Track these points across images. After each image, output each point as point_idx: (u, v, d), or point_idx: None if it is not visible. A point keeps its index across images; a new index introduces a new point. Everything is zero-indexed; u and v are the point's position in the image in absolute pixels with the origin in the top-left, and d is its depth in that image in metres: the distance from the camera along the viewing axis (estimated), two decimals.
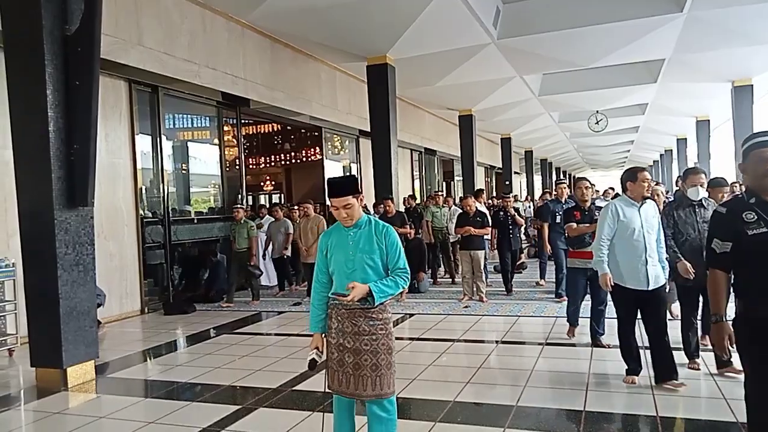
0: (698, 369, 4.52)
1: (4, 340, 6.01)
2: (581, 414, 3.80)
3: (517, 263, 9.93)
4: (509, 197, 9.60)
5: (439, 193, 11.16)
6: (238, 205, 8.93)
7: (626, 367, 4.40)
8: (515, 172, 27.49)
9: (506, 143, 23.51)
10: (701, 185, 4.44)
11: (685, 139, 24.82)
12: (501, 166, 24.47)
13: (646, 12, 9.70)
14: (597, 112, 18.39)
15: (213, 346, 6.27)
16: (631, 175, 4.28)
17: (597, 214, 5.09)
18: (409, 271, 2.92)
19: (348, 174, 3.30)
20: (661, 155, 32.74)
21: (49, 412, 4.33)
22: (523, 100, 16.40)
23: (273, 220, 9.80)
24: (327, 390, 2.90)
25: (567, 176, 46.13)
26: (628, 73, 14.38)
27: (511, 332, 6.33)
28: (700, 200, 4.46)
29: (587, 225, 5.53)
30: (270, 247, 9.73)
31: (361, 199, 2.91)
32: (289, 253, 9.47)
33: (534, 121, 20.22)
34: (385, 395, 2.80)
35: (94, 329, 5.16)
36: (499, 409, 3.96)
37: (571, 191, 7.79)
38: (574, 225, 5.66)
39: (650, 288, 4.12)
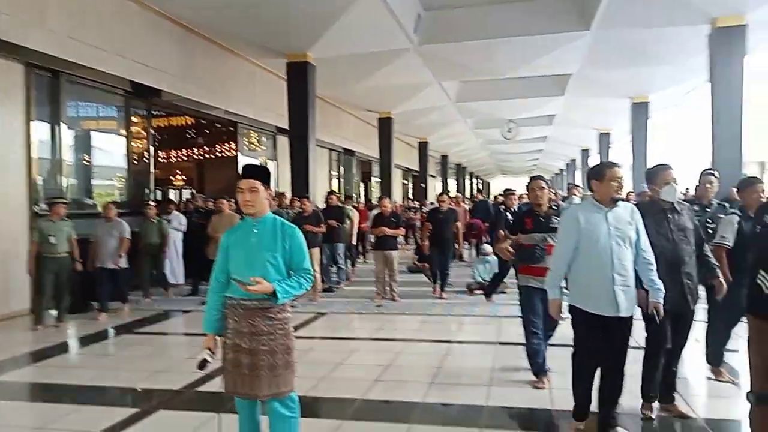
0: (652, 418, 3.66)
1: None
2: (483, 408, 3.93)
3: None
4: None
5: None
6: (152, 202, 8.56)
7: (573, 404, 3.49)
8: (431, 176, 28.13)
9: (423, 147, 24.00)
10: (674, 182, 3.58)
11: (588, 150, 26.44)
12: (418, 169, 24.94)
13: (556, 28, 10.27)
14: (509, 120, 19.18)
15: (112, 346, 5.95)
16: (596, 172, 3.37)
17: (557, 220, 4.23)
18: (312, 272, 2.92)
19: (263, 166, 3.25)
20: (567, 164, 34.68)
21: None
22: (441, 105, 16.82)
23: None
24: (224, 392, 2.83)
25: (480, 181, 47.81)
26: (539, 85, 15.14)
27: (421, 331, 6.46)
28: (673, 204, 3.59)
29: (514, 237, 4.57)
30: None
31: (270, 194, 2.87)
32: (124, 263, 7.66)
33: (450, 126, 20.78)
34: (282, 394, 2.78)
35: None
36: (407, 406, 4.03)
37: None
38: (503, 235, 4.80)
39: (620, 315, 3.22)
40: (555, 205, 4.89)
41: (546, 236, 4.35)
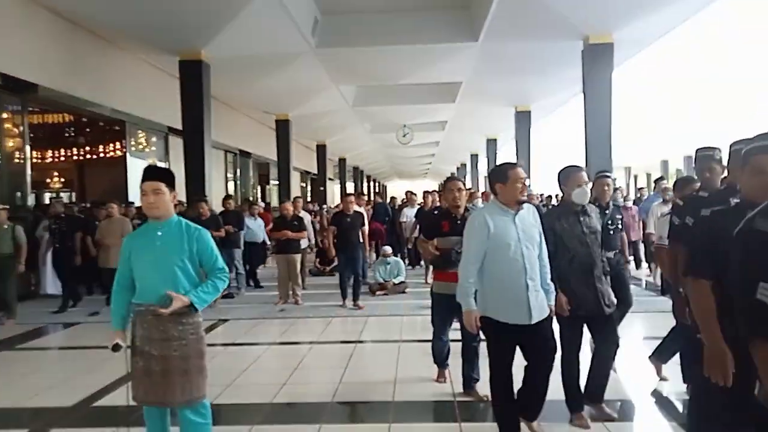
0: (587, 426, 3.50)
1: None
2: (390, 405, 4.09)
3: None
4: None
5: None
6: (3, 206, 7.48)
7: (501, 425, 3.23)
8: (330, 179, 28.18)
9: (321, 150, 24.00)
10: (585, 185, 3.51)
11: (477, 155, 27.83)
12: (316, 171, 24.91)
13: (446, 39, 10.79)
14: (404, 125, 19.72)
15: None
16: (499, 174, 3.18)
17: None
18: (227, 271, 2.91)
19: (167, 168, 3.13)
20: (457, 168, 36.20)
21: None
22: (338, 109, 16.94)
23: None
24: (132, 401, 2.75)
25: (377, 184, 48.57)
26: (432, 92, 15.75)
27: (325, 333, 6.52)
28: (584, 206, 3.54)
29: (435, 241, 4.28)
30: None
31: (174, 196, 2.82)
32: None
33: (348, 129, 20.98)
34: (196, 399, 2.76)
35: None
36: (316, 406, 4.08)
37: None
38: (423, 238, 4.49)
39: (533, 321, 3.08)
40: (472, 208, 4.60)
41: (462, 239, 4.02)
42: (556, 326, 3.34)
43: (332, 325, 6.93)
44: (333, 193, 31.06)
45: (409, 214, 10.86)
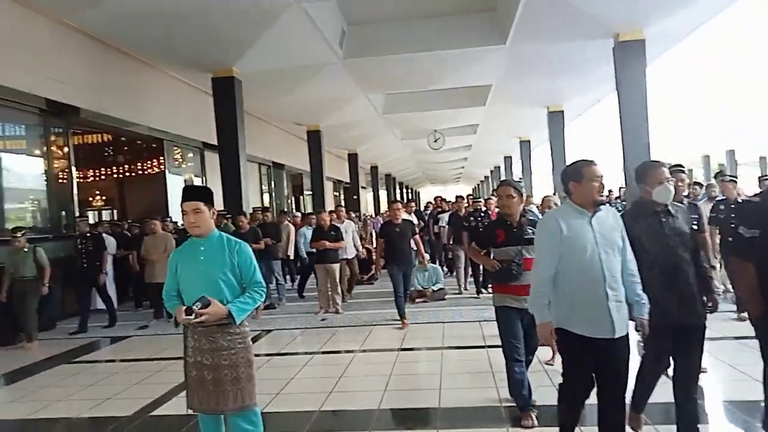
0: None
1: None
2: (436, 411, 4.11)
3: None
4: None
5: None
6: (22, 231, 7.31)
7: None
8: (362, 187, 28.36)
9: (353, 159, 24.19)
10: (668, 182, 3.10)
11: (511, 157, 27.62)
12: (349, 180, 25.10)
13: (474, 43, 10.77)
14: (435, 131, 19.73)
15: (50, 378, 5.66)
16: (573, 172, 2.92)
17: (531, 231, 3.73)
18: (264, 285, 3.00)
19: (204, 186, 3.20)
20: (491, 171, 35.96)
21: None
22: (368, 117, 17.07)
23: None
24: (188, 410, 2.86)
25: (410, 191, 48.60)
26: (462, 96, 15.72)
27: (367, 341, 6.58)
28: (666, 206, 3.15)
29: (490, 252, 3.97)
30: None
31: (214, 212, 2.93)
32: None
33: (378, 137, 21.10)
34: (248, 407, 2.85)
35: None
36: (363, 414, 4.14)
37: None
38: (477, 248, 4.14)
39: (616, 336, 2.78)
40: (530, 213, 4.41)
41: (522, 249, 3.75)
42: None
43: (374, 333, 6.97)
44: (366, 201, 31.22)
45: (445, 220, 10.79)
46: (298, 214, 15.02)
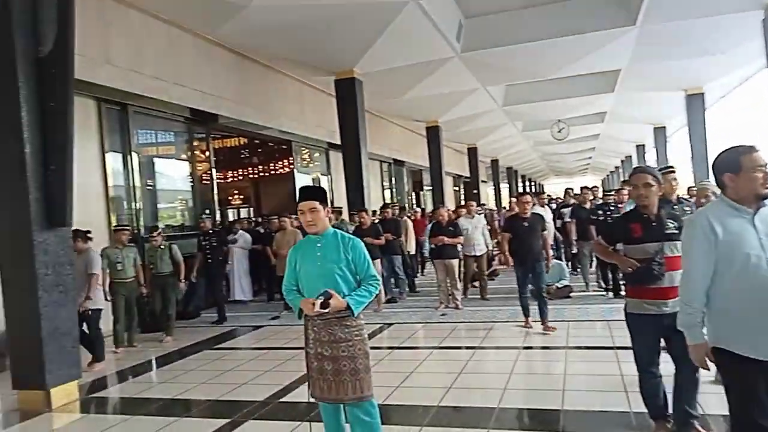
0: None
1: None
2: (560, 414, 3.97)
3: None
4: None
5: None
6: (125, 227, 7.57)
7: None
8: (482, 181, 28.00)
9: (473, 153, 23.96)
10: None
11: (644, 145, 25.75)
12: (468, 175, 24.90)
13: (602, 25, 10.14)
14: (559, 121, 18.94)
15: (196, 362, 6.27)
16: (729, 162, 2.43)
17: (673, 225, 3.29)
18: (379, 278, 3.10)
19: (318, 186, 3.34)
20: (621, 161, 33.78)
21: None
22: (488, 110, 16.80)
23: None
24: (310, 399, 3.02)
25: (533, 184, 47.10)
26: (588, 82, 14.92)
27: (488, 338, 6.51)
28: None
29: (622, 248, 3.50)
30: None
31: (328, 211, 3.07)
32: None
33: (498, 130, 20.69)
34: (366, 398, 2.95)
35: (77, 349, 5.12)
36: (483, 411, 4.11)
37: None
38: (604, 244, 3.62)
39: None
40: (672, 204, 3.96)
41: (663, 245, 3.25)
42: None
43: (494, 330, 6.88)
44: (487, 196, 30.78)
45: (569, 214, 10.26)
46: (418, 210, 15.19)
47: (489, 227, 10.40)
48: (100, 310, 6.50)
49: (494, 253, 9.27)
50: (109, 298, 6.93)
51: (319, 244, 3.02)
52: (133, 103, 8.72)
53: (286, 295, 3.13)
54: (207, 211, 9.80)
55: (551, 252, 7.07)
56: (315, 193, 3.04)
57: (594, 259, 8.74)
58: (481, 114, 17.18)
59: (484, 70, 12.47)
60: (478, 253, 8.90)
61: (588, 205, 9.07)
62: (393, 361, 5.76)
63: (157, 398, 5.03)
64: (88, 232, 6.58)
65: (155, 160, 10.10)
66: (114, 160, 8.53)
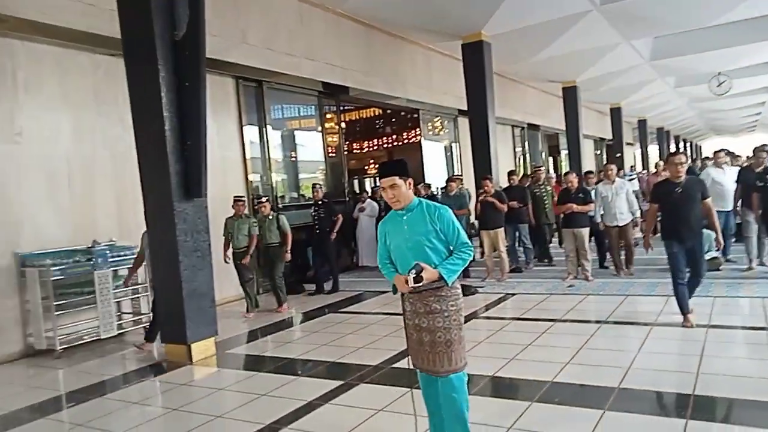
0: None
1: (140, 319, 6.75)
2: (689, 398, 3.61)
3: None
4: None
5: (540, 168, 10.39)
6: (241, 197, 7.60)
7: None
8: (628, 143, 25.92)
9: (616, 113, 22.19)
10: None
11: None
12: (611, 137, 23.20)
13: None
14: (719, 74, 16.80)
15: (320, 324, 6.64)
16: None
17: None
18: (471, 245, 3.00)
19: (398, 159, 3.28)
20: None
21: (176, 384, 4.85)
22: (633, 66, 15.36)
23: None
24: (410, 367, 3.03)
25: (689, 144, 42.71)
26: (753, 28, 12.90)
27: (617, 312, 6.08)
28: None
29: None
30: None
31: (410, 183, 2.99)
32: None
33: (646, 88, 18.89)
34: (459, 369, 2.92)
35: (213, 309, 5.65)
36: (600, 390, 3.86)
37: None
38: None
39: None
40: None
41: None
42: None
43: (625, 303, 6.41)
44: (634, 159, 28.48)
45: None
46: (553, 176, 14.47)
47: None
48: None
49: (639, 219, 8.28)
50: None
51: (404, 218, 2.98)
52: (267, 80, 9.23)
53: (382, 269, 3.14)
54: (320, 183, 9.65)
55: (718, 227, 5.76)
56: (393, 167, 2.99)
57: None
58: (625, 71, 15.77)
59: (627, 23, 11.36)
60: (621, 223, 7.94)
61: (760, 169, 7.77)
62: (511, 333, 5.62)
63: (282, 357, 5.40)
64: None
65: (289, 132, 10.66)
66: (251, 134, 9.14)
